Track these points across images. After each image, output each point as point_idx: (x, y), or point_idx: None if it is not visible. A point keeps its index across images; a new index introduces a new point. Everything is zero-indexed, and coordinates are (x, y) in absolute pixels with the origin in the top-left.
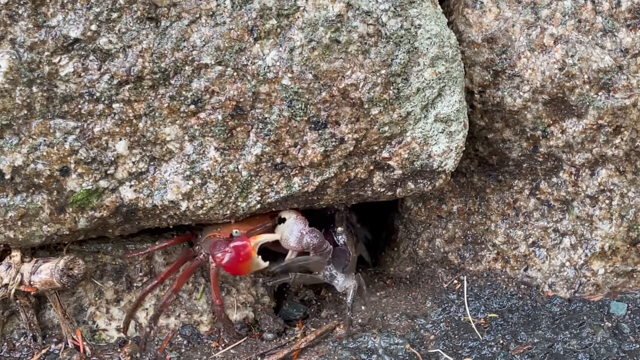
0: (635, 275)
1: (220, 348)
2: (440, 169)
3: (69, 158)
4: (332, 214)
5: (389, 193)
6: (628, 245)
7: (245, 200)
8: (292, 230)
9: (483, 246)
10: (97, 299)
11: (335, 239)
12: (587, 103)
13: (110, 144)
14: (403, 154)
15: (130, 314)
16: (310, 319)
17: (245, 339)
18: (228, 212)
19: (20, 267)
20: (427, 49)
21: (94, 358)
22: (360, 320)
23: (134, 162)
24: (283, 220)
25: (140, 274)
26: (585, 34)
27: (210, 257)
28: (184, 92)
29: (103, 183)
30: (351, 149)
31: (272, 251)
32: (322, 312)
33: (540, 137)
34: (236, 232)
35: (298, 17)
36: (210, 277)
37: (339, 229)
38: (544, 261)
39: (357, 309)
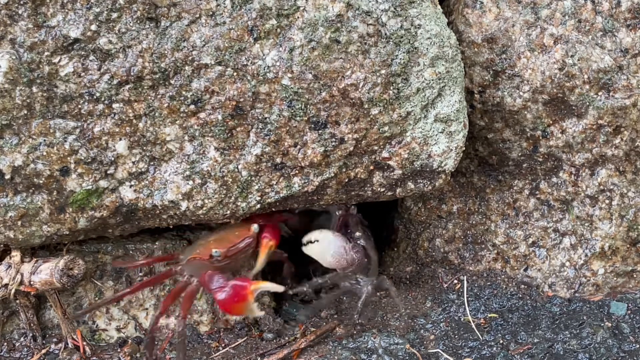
0: (635, 275)
1: (220, 348)
2: (440, 169)
3: (69, 158)
4: (340, 217)
5: (389, 193)
6: (628, 245)
7: (245, 200)
8: (332, 247)
9: (483, 246)
10: (97, 299)
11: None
12: (587, 103)
13: (110, 144)
14: (403, 154)
15: (97, 306)
16: (310, 318)
17: (245, 338)
18: (228, 212)
19: (20, 267)
20: (427, 49)
21: (94, 358)
22: (360, 320)
23: (134, 162)
24: (310, 240)
25: (140, 274)
26: (585, 34)
27: (205, 287)
28: (184, 92)
29: (103, 183)
30: (351, 149)
31: (274, 261)
32: (322, 312)
33: (540, 137)
34: (216, 251)
35: (298, 17)
36: (186, 293)
37: (357, 233)
38: (544, 261)
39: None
